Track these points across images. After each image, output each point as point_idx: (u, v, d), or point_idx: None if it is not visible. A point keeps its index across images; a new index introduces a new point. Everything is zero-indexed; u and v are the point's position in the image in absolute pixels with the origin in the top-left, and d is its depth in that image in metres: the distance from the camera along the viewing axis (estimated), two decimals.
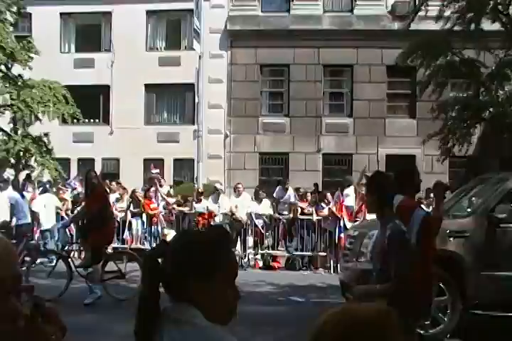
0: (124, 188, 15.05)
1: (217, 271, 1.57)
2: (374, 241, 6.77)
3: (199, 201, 13.90)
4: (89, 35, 20.80)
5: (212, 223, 13.63)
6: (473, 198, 7.78)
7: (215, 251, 1.58)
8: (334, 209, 13.06)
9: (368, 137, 18.68)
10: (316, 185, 15.69)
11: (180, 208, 14.05)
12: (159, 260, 1.58)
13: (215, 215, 13.77)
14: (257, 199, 13.85)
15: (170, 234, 13.59)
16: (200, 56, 17.96)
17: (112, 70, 19.76)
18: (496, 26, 13.26)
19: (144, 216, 13.96)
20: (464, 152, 13.43)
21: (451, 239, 6.86)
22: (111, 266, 8.92)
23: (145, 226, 13.97)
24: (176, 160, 19.32)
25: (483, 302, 6.84)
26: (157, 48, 20.56)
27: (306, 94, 18.89)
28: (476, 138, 14.66)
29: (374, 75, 18.90)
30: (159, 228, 13.86)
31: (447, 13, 13.50)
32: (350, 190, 13.41)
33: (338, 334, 1.18)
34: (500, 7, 12.85)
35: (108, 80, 19.78)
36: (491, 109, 13.06)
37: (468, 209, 7.49)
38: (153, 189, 14.59)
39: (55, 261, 9.02)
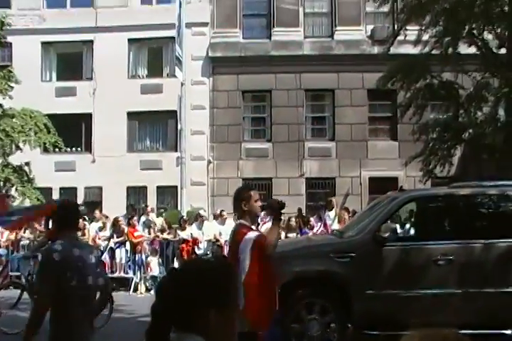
0: (107, 216, 14.91)
1: (230, 300, 1.55)
2: None
3: (183, 228, 13.77)
4: (70, 63, 20.82)
5: (196, 250, 13.50)
6: (368, 217, 7.73)
7: (227, 280, 1.57)
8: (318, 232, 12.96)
9: (351, 160, 18.75)
10: (299, 209, 15.62)
11: (165, 235, 13.89)
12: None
13: (200, 242, 13.62)
14: None
15: (153, 262, 13.41)
16: (182, 83, 18.05)
17: (94, 98, 19.74)
18: (472, 50, 13.50)
19: (128, 244, 13.77)
20: (445, 173, 13.50)
21: (338, 259, 6.85)
22: None
23: (129, 255, 13.76)
24: (159, 188, 19.20)
25: (370, 322, 6.82)
26: (139, 76, 20.61)
27: (288, 119, 18.99)
28: (457, 158, 14.77)
29: (355, 99, 19.07)
30: (143, 256, 13.66)
31: (425, 37, 13.74)
32: (332, 213, 13.39)
33: None
34: (475, 31, 13.10)
35: (90, 108, 19.74)
36: (470, 130, 13.20)
37: (358, 229, 7.46)
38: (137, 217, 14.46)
39: (19, 293, 8.75)
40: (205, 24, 19.91)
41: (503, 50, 13.02)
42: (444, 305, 6.82)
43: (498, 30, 13.12)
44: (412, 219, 9.93)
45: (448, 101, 13.81)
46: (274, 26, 19.74)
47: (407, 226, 11.73)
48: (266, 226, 13.86)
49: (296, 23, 19.67)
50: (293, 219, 14.04)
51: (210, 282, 1.52)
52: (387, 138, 19.26)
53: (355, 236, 7.23)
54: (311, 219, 14.29)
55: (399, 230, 10.93)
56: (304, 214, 15.36)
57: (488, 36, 13.41)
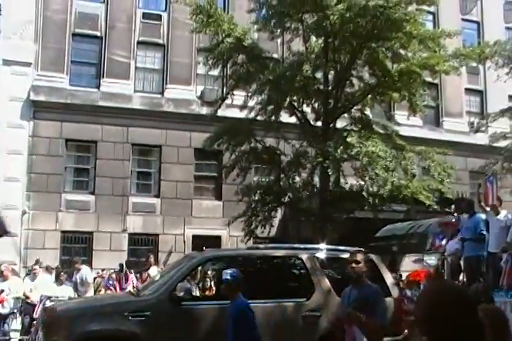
0: None
1: None
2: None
3: None
4: None
5: (0, 309, 12.32)
6: (166, 276, 7.88)
7: None
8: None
9: (175, 218, 18.79)
10: (121, 265, 15.17)
11: None
12: None
13: (4, 300, 12.45)
14: (58, 281, 12.94)
15: None
16: None
17: None
18: (293, 120, 14.66)
19: None
20: (266, 233, 14.16)
21: (133, 317, 6.90)
22: None
23: None
24: None
25: None
26: None
27: (113, 172, 18.60)
28: (278, 220, 15.58)
29: (182, 157, 19.37)
30: None
31: (251, 103, 14.63)
32: (153, 270, 13.24)
33: None
34: (295, 104, 14.30)
35: None
36: (290, 194, 14.11)
37: (155, 288, 7.59)
38: None
39: None
40: (27, 64, 18.93)
41: (319, 123, 14.33)
42: None
43: (316, 105, 14.47)
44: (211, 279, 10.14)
45: (270, 165, 14.71)
46: (103, 76, 19.51)
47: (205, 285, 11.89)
48: None
49: (126, 75, 19.67)
50: (113, 276, 13.61)
51: None
52: (211, 197, 19.69)
53: (152, 295, 7.21)
54: (131, 275, 13.93)
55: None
56: (125, 271, 14.92)
57: (307, 109, 14.70)
